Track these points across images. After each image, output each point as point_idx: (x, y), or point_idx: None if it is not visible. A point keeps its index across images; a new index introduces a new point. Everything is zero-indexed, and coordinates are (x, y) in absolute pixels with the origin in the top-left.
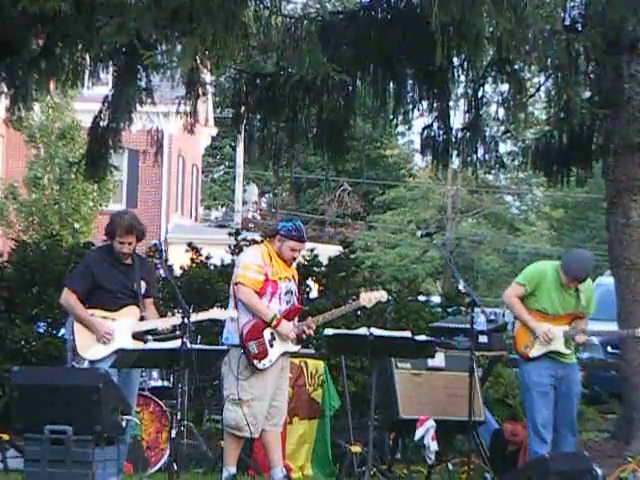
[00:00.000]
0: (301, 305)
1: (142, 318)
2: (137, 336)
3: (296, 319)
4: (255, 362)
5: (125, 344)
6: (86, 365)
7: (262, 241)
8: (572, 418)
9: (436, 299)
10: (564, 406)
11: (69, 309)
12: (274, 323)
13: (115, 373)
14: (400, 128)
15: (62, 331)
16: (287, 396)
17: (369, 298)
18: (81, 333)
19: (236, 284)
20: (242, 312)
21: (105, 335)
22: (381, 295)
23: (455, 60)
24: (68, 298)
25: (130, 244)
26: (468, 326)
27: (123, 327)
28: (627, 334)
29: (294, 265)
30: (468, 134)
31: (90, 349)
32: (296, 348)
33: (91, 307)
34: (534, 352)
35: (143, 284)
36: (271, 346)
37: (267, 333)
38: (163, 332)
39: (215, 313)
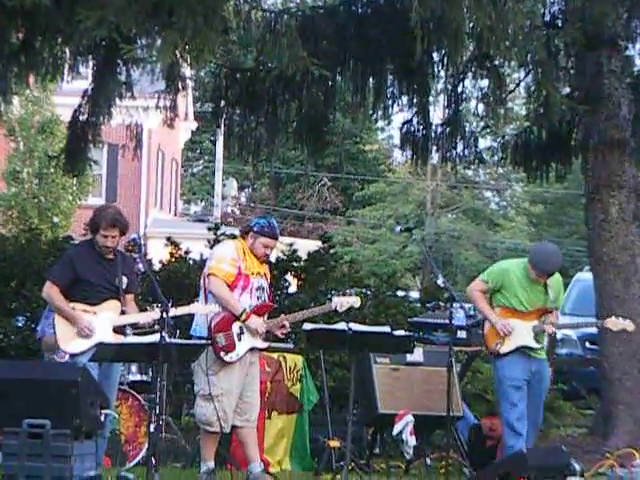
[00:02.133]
0: (272, 302)
1: (123, 313)
2: (118, 330)
3: (266, 316)
4: (222, 354)
5: (106, 338)
6: (66, 358)
7: (237, 237)
8: (539, 414)
9: (415, 294)
10: (533, 400)
11: (50, 302)
12: (243, 317)
13: (96, 367)
14: (380, 123)
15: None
16: (258, 392)
17: (341, 303)
18: (62, 326)
19: (208, 275)
20: (211, 303)
21: (84, 329)
22: (354, 301)
23: (435, 55)
24: (50, 291)
25: (114, 237)
26: (447, 321)
27: (104, 321)
28: (595, 324)
29: (272, 260)
30: (448, 129)
31: (70, 342)
32: (264, 345)
33: (72, 300)
34: (504, 348)
35: (125, 279)
36: (239, 340)
37: (236, 326)
38: (144, 326)
39: (196, 308)
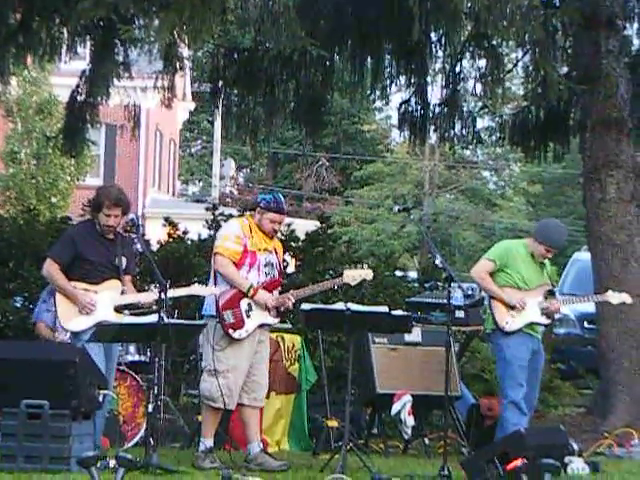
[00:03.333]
0: (282, 278)
1: (122, 292)
2: (118, 309)
3: (276, 291)
4: (230, 331)
5: (107, 317)
6: (68, 336)
7: (242, 214)
8: (536, 393)
9: (413, 274)
10: (531, 380)
11: (51, 280)
12: (251, 293)
13: (101, 349)
14: (378, 103)
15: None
16: (267, 371)
17: (353, 276)
18: (63, 304)
19: (214, 254)
20: (221, 283)
21: (87, 306)
22: (366, 273)
23: (433, 35)
24: (50, 269)
25: (116, 217)
26: (445, 301)
27: (105, 300)
28: (598, 299)
29: (278, 238)
30: (446, 109)
31: (72, 320)
32: (275, 321)
33: (72, 279)
34: (514, 326)
35: (124, 260)
36: (248, 316)
37: (244, 303)
38: (145, 306)
39: (195, 289)
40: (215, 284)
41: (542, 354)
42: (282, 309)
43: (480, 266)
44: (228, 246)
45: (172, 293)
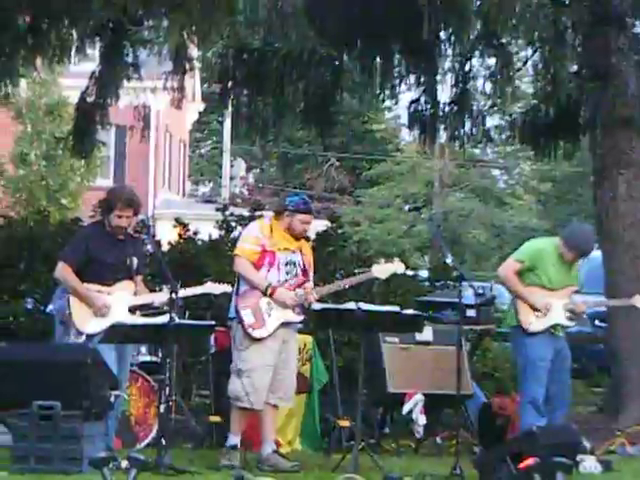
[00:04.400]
0: (305, 277)
1: (135, 293)
2: (132, 310)
3: (300, 290)
4: (250, 331)
5: (122, 318)
6: (83, 339)
7: (253, 215)
8: (568, 390)
9: (424, 273)
10: (561, 378)
11: (65, 283)
12: (269, 291)
13: (113, 349)
14: (387, 103)
15: (50, 307)
16: (294, 370)
17: (381, 270)
18: (77, 307)
19: (233, 256)
20: (242, 284)
21: (102, 308)
22: (396, 267)
23: (442, 34)
24: (64, 271)
25: (128, 218)
26: (456, 300)
27: (119, 301)
28: (623, 303)
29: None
30: (455, 108)
31: (87, 323)
32: (298, 318)
33: (85, 281)
34: (538, 326)
35: (135, 260)
36: (269, 316)
37: (264, 302)
38: (159, 307)
39: (209, 287)
40: (239, 286)
41: (567, 352)
42: (306, 306)
43: (508, 266)
44: (245, 247)
45: (185, 292)
